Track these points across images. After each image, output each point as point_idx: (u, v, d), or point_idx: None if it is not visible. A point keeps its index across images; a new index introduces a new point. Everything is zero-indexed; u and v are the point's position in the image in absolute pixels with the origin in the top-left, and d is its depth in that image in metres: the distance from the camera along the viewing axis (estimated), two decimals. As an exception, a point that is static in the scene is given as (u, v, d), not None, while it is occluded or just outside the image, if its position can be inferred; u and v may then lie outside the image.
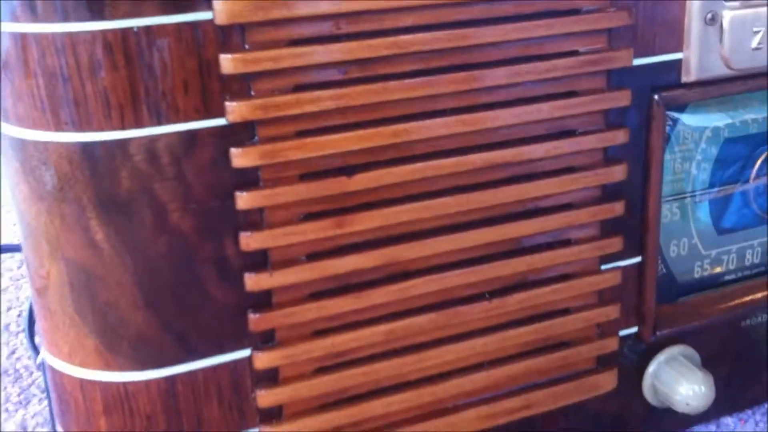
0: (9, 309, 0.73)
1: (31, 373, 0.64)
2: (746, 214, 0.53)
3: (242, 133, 0.36)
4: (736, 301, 0.52)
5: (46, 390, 0.45)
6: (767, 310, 0.53)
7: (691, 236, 0.52)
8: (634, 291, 0.48)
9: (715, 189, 0.51)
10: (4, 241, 0.79)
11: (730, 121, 0.50)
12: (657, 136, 0.45)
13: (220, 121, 0.36)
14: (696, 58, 0.44)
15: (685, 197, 0.50)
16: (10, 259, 0.81)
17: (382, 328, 0.41)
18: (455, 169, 0.40)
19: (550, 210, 0.44)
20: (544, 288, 0.45)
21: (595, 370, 0.48)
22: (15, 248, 0.70)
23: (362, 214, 0.39)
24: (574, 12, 0.41)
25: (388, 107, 0.39)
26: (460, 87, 0.39)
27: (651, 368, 0.50)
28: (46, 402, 0.60)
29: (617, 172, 0.45)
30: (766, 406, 0.56)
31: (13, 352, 0.67)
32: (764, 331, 0.53)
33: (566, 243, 0.45)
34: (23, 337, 0.68)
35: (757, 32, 0.45)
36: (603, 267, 0.46)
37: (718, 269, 0.53)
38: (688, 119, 0.49)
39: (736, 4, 0.44)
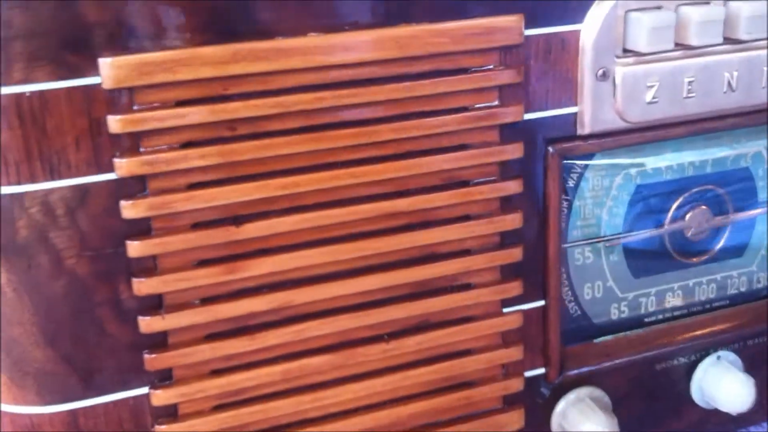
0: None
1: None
2: (663, 258, 0.54)
3: (133, 185, 0.39)
4: (649, 344, 0.53)
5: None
6: (685, 353, 0.54)
7: (605, 279, 0.53)
8: (540, 333, 0.50)
9: (629, 234, 0.53)
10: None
11: (642, 168, 0.52)
12: (553, 186, 0.47)
13: (111, 175, 0.39)
14: (589, 112, 0.46)
15: (597, 241, 0.52)
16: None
17: (279, 368, 0.44)
18: (345, 219, 0.43)
19: (448, 255, 0.46)
20: (442, 330, 0.47)
21: (501, 410, 0.50)
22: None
23: (253, 261, 0.42)
24: (463, 71, 0.43)
25: (276, 161, 0.41)
26: (349, 142, 0.42)
27: (558, 408, 0.51)
28: None
29: (513, 221, 0.46)
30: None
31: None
32: (681, 374, 0.54)
33: (466, 287, 0.47)
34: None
35: (650, 87, 0.47)
36: (505, 309, 0.48)
37: (637, 311, 0.55)
38: (598, 166, 0.51)
39: (628, 60, 0.46)
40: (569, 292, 0.52)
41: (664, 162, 0.52)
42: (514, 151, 0.45)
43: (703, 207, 0.54)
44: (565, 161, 0.49)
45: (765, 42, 0.48)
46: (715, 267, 0.56)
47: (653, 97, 0.47)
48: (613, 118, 0.47)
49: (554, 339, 0.50)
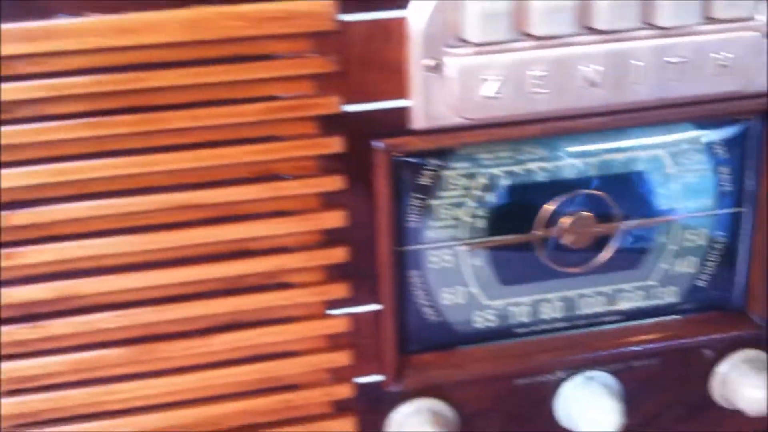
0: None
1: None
2: (536, 266, 0.50)
3: None
4: (509, 358, 0.49)
5: None
6: (552, 370, 0.50)
7: (467, 285, 0.49)
8: (376, 338, 0.47)
9: (495, 238, 0.48)
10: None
11: (509, 167, 0.47)
12: (382, 184, 0.43)
13: None
14: (421, 105, 0.42)
15: (458, 244, 0.48)
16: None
17: (70, 357, 0.42)
18: (134, 209, 0.41)
19: (263, 252, 0.43)
20: (257, 329, 0.44)
21: (330, 415, 0.47)
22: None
23: (32, 248, 0.40)
24: (270, 57, 0.40)
25: (55, 147, 0.39)
26: (134, 129, 0.40)
27: (394, 419, 0.48)
28: None
29: (333, 219, 0.43)
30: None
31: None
32: (547, 393, 0.50)
33: (285, 286, 0.44)
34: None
35: (490, 80, 0.42)
36: (333, 312, 0.45)
37: (507, 321, 0.50)
38: (457, 164, 0.47)
39: (462, 51, 0.41)
40: (425, 297, 0.49)
41: (536, 163, 0.48)
42: (331, 144, 0.42)
43: (584, 213, 0.49)
44: (417, 159, 0.45)
45: (635, 33, 0.42)
46: (603, 279, 0.51)
47: (494, 92, 0.42)
48: (449, 114, 0.43)
49: (390, 345, 0.47)
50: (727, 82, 0.44)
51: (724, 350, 0.51)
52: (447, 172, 0.47)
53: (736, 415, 0.51)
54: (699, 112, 0.45)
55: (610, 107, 0.44)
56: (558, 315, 0.51)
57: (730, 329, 0.51)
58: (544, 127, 0.44)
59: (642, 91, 0.44)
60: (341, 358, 0.46)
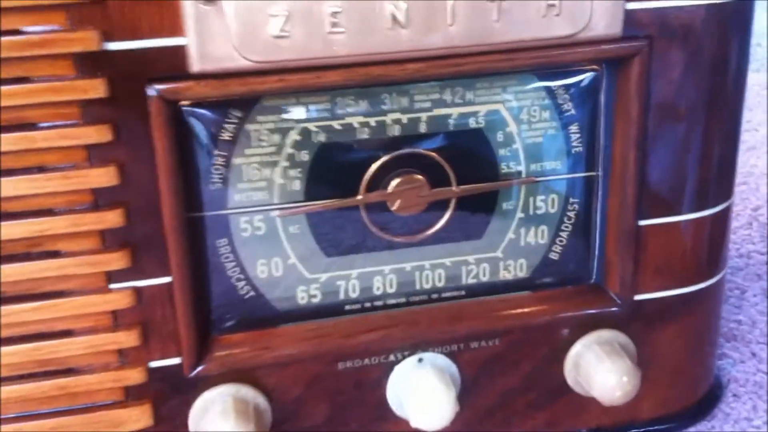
0: None
1: None
2: (362, 234, 0.44)
3: None
4: (327, 338, 0.44)
5: None
6: (379, 353, 0.44)
7: (286, 256, 0.44)
8: (171, 316, 0.41)
9: (312, 203, 0.43)
10: None
11: (326, 123, 0.42)
12: (160, 136, 0.38)
13: None
14: (197, 45, 0.36)
15: (269, 209, 0.43)
16: None
17: None
18: None
19: (24, 214, 0.38)
20: (21, 304, 0.39)
21: (121, 403, 0.41)
22: None
23: None
24: (5, -16, 0.34)
25: None
26: None
27: (197, 406, 0.42)
28: None
29: (101, 176, 0.37)
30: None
31: None
32: (375, 378, 0.45)
33: (55, 254, 0.39)
34: None
35: (276, 16, 0.36)
36: (116, 286, 0.40)
37: (335, 297, 0.45)
38: (262, 117, 0.41)
39: (241, -19, 0.36)
40: (237, 269, 0.43)
41: (356, 118, 0.42)
42: (92, 88, 0.36)
43: (415, 176, 0.43)
44: (213, 109, 0.40)
45: (446, -35, 0.37)
46: (442, 250, 0.45)
47: (281, 31, 0.37)
48: (232, 55, 0.37)
49: (186, 324, 0.41)
50: (557, 25, 0.39)
51: (578, 330, 0.46)
52: (252, 126, 0.41)
53: (594, 402, 0.46)
54: (529, 60, 0.40)
55: (423, 52, 0.39)
56: (392, 290, 0.46)
57: (584, 306, 0.46)
58: (348, 74, 0.38)
59: (457, 34, 0.38)
60: (128, 338, 0.40)
